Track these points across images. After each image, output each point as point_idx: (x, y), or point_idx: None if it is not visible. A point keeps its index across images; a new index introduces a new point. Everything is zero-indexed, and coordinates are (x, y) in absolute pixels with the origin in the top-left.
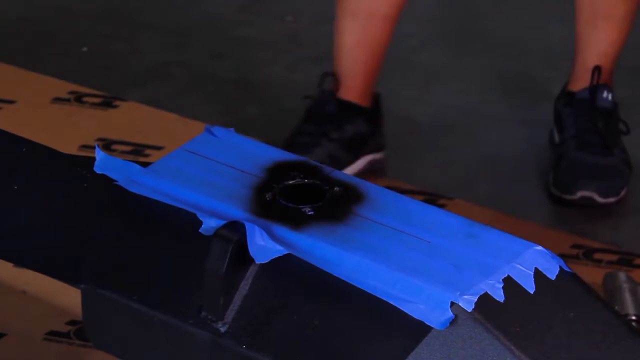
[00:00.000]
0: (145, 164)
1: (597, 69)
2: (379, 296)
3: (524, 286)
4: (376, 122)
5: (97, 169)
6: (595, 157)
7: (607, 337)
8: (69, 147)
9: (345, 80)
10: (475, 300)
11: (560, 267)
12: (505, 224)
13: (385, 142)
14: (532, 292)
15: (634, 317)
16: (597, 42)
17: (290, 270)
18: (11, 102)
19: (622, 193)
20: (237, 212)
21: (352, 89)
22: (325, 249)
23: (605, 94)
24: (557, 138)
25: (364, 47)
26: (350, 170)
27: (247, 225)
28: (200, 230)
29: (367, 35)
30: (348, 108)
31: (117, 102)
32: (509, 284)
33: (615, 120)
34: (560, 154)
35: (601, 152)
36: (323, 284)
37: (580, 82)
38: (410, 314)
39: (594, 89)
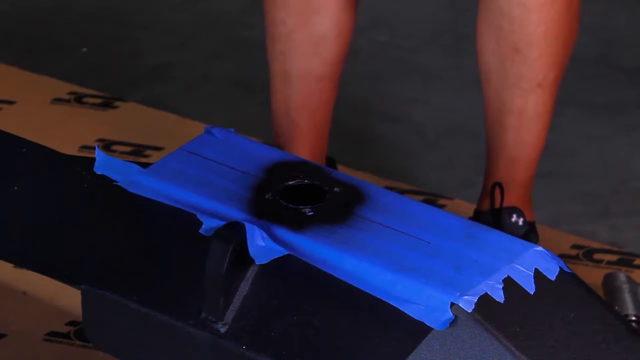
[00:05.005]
0: (145, 165)
1: (498, 187)
2: (379, 297)
3: (524, 287)
4: None
5: (97, 169)
6: None
7: (607, 338)
8: (69, 147)
9: (287, 149)
10: (475, 301)
11: (560, 267)
12: None
13: None
14: (532, 293)
15: (633, 318)
16: (505, 145)
17: (290, 271)
18: (11, 102)
19: None
20: (237, 213)
21: None
22: (325, 250)
23: (514, 218)
24: None
25: (301, 112)
26: None
27: (247, 226)
28: (200, 231)
29: (302, 99)
30: None
31: (117, 103)
32: (509, 284)
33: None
34: None
35: None
36: (323, 284)
37: (486, 201)
38: (411, 315)
39: (497, 213)
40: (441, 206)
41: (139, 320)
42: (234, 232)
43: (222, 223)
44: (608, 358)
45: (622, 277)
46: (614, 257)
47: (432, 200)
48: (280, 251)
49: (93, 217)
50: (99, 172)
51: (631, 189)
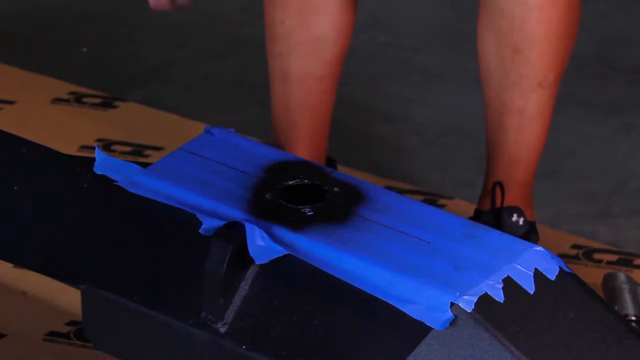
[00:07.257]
0: (145, 165)
1: (499, 186)
2: (379, 297)
3: (523, 287)
4: None
5: (97, 169)
6: None
7: (606, 338)
8: (69, 147)
9: (287, 149)
10: (475, 300)
11: (560, 267)
12: None
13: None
14: (532, 293)
15: (633, 318)
16: (505, 145)
17: (290, 271)
18: (11, 102)
19: None
20: (237, 213)
21: None
22: (325, 250)
23: (515, 218)
24: None
25: (301, 112)
26: None
27: (247, 226)
28: (200, 231)
29: (301, 99)
30: None
31: (117, 103)
32: (509, 284)
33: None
34: None
35: None
36: (323, 284)
37: (487, 200)
38: (411, 315)
39: (498, 212)
40: (441, 206)
41: (139, 320)
42: (234, 232)
43: (222, 223)
44: (608, 358)
45: (622, 277)
46: (613, 257)
47: (432, 200)
48: (280, 251)
49: (93, 217)
50: (99, 172)
51: (631, 189)
